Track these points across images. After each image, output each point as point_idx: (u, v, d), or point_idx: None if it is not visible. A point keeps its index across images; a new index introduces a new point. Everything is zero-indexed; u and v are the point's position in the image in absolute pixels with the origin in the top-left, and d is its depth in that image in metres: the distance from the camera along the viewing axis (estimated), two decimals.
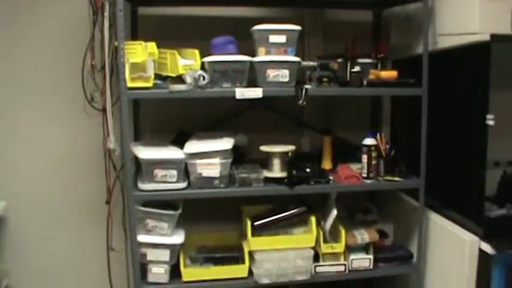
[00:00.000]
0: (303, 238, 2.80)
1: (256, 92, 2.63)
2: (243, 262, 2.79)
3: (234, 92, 2.62)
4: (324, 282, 2.92)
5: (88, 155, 3.23)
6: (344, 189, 2.80)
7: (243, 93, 2.62)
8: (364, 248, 2.93)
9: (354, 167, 2.89)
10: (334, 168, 2.95)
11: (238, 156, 2.88)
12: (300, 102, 2.64)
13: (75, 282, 3.39)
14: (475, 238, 2.63)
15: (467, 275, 2.63)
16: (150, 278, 2.74)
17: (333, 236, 2.89)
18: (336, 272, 2.86)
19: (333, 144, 3.03)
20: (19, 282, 3.30)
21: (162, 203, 2.78)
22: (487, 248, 2.60)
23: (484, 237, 2.63)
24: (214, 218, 3.20)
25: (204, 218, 3.22)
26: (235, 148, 2.83)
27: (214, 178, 2.68)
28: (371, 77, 2.85)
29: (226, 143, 2.68)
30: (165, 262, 2.74)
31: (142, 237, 2.69)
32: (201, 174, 2.66)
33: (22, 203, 3.26)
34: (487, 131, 2.56)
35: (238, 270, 2.78)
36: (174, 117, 3.15)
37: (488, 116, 2.56)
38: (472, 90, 2.66)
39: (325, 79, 2.73)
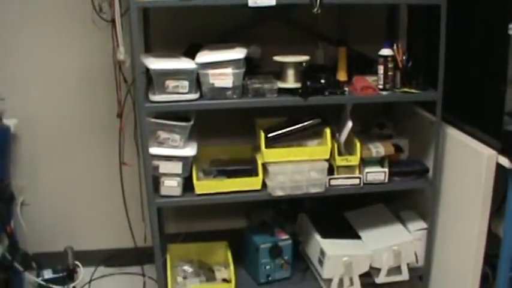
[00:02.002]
0: (318, 150, 2.75)
1: (268, 0, 2.52)
2: (257, 175, 2.75)
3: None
4: (339, 196, 2.90)
5: (98, 68, 3.17)
6: (359, 100, 2.73)
7: (255, 0, 2.50)
8: (379, 162, 2.88)
9: (370, 79, 2.80)
10: (349, 80, 2.87)
11: (251, 68, 2.81)
12: (315, 10, 2.53)
13: (89, 197, 3.43)
14: (493, 152, 2.57)
15: (483, 189, 2.58)
16: (163, 191, 2.72)
17: (347, 149, 2.84)
18: (351, 185, 2.81)
19: (348, 56, 2.93)
20: (34, 199, 3.28)
21: (175, 116, 2.71)
22: (505, 161, 2.54)
23: (502, 151, 2.57)
24: (228, 131, 3.16)
25: (217, 131, 3.19)
26: (248, 59, 2.75)
27: (226, 89, 2.61)
28: None
29: (238, 53, 2.61)
30: (177, 175, 2.70)
31: (154, 150, 2.65)
32: (213, 84, 2.60)
33: (33, 120, 3.23)
34: (508, 42, 2.45)
35: (252, 183, 2.74)
36: (185, 29, 3.07)
37: (510, 26, 2.45)
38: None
39: None
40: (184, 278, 2.91)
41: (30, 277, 3.15)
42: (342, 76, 2.89)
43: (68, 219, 3.42)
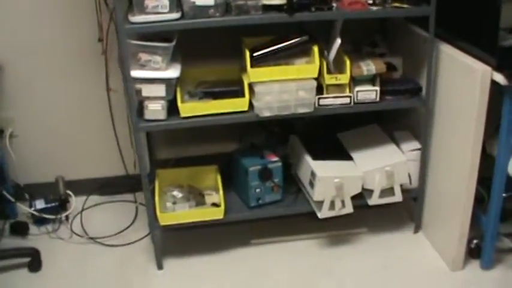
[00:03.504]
0: (305, 68, 2.65)
1: None
2: (243, 96, 2.65)
3: None
4: (332, 117, 2.83)
5: None
6: (347, 16, 2.62)
7: None
8: (371, 80, 2.78)
9: None
10: None
11: None
12: None
13: (78, 125, 3.37)
14: (488, 68, 2.48)
15: (477, 107, 2.50)
16: (147, 115, 2.65)
17: (337, 67, 2.74)
18: (341, 104, 2.73)
19: None
20: (23, 130, 3.25)
21: (158, 37, 2.62)
22: (500, 78, 2.45)
23: (497, 68, 2.47)
24: (215, 52, 3.06)
25: (204, 52, 3.10)
26: None
27: (208, 7, 2.50)
28: None
29: None
30: (161, 98, 2.63)
31: (135, 73, 2.57)
32: (194, 2, 2.48)
33: (16, 49, 3.16)
34: None
35: (238, 104, 2.67)
36: None
37: None
38: None
39: None
40: (174, 203, 2.87)
41: (22, 207, 3.14)
42: None
43: (58, 149, 3.37)
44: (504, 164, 2.60)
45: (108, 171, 3.39)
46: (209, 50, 3.08)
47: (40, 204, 3.22)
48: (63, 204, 3.24)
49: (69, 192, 3.27)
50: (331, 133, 3.10)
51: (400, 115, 3.05)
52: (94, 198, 3.40)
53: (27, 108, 3.28)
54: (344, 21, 2.67)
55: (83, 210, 3.28)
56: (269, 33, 2.76)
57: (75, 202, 3.27)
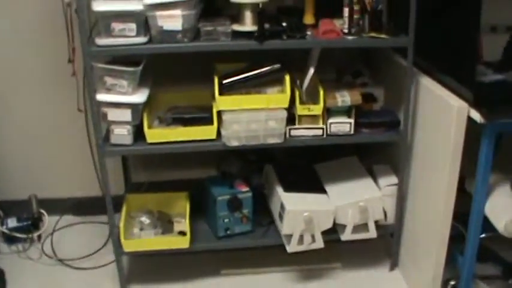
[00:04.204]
0: (276, 98, 2.57)
1: None
2: (213, 123, 2.57)
3: None
4: (312, 147, 2.73)
5: (48, 12, 3.01)
6: (321, 45, 2.54)
7: None
8: (347, 112, 2.67)
9: (338, 23, 2.58)
10: (317, 23, 2.65)
11: (212, 11, 2.63)
12: None
13: (54, 145, 3.34)
14: (464, 104, 2.38)
15: (453, 143, 2.40)
16: (113, 140, 2.59)
17: (312, 97, 2.64)
18: (313, 136, 2.63)
19: None
20: None
21: (128, 60, 2.56)
22: (476, 115, 2.34)
23: (474, 104, 2.37)
24: (189, 76, 2.99)
25: (177, 76, 3.03)
26: (209, 1, 2.63)
27: (176, 31, 2.43)
28: None
29: None
30: (127, 122, 2.56)
31: (101, 96, 2.51)
32: (162, 27, 2.42)
33: None
34: None
35: (206, 132, 2.59)
36: None
37: None
38: None
39: None
40: (141, 229, 2.80)
41: None
42: (308, 19, 2.68)
43: (33, 168, 3.33)
44: (480, 204, 2.50)
45: (84, 191, 3.33)
46: (183, 74, 3.01)
47: (12, 222, 3.17)
48: (35, 223, 3.19)
49: (42, 211, 3.21)
50: (308, 164, 2.99)
51: (382, 148, 2.95)
52: (68, 218, 3.35)
53: (1, 126, 3.22)
54: (328, 49, 2.61)
55: (54, 230, 3.22)
56: (245, 59, 2.69)
57: (48, 221, 3.21)
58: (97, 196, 3.25)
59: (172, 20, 2.43)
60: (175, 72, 2.97)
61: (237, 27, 2.50)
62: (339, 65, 3.00)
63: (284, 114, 2.56)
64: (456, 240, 2.65)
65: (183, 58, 2.62)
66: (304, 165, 3.01)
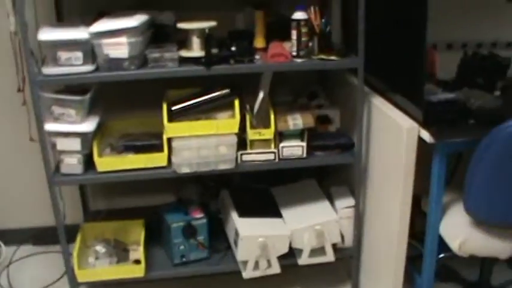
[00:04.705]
0: (225, 123, 2.55)
1: None
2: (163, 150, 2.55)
3: None
4: (270, 170, 2.70)
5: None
6: (269, 69, 2.53)
7: None
8: (301, 135, 2.65)
9: (288, 45, 2.57)
10: (268, 46, 2.63)
11: (162, 36, 2.61)
12: None
13: (9, 173, 3.30)
14: (414, 125, 2.37)
15: (404, 164, 2.38)
16: (63, 169, 2.57)
17: (263, 121, 2.62)
18: (265, 160, 2.60)
19: (271, 21, 2.71)
20: None
21: (77, 89, 2.54)
22: (426, 135, 2.34)
23: (424, 124, 2.37)
24: (142, 103, 2.96)
25: (130, 103, 3.02)
26: (160, 27, 2.61)
27: (123, 59, 2.41)
28: None
29: (133, 20, 2.39)
30: (76, 152, 2.54)
31: (49, 126, 2.48)
32: (108, 55, 2.39)
33: None
34: (426, 1, 2.21)
35: (157, 159, 2.57)
36: None
37: None
38: None
39: None
40: (96, 258, 2.75)
41: None
42: (259, 42, 2.68)
43: None
44: (435, 223, 2.50)
45: (43, 221, 3.27)
46: (136, 100, 2.99)
47: None
48: None
49: None
50: (265, 187, 2.96)
51: (340, 169, 2.93)
52: (27, 248, 3.29)
53: None
54: (282, 71, 2.61)
55: (11, 262, 3.16)
56: (198, 84, 2.68)
57: (6, 252, 3.15)
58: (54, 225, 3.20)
59: (119, 48, 2.41)
60: (128, 99, 2.95)
61: (184, 53, 2.49)
62: (295, 86, 2.98)
63: (234, 139, 2.54)
64: (416, 260, 2.62)
65: (135, 84, 2.59)
66: (261, 189, 2.99)
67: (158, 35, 2.64)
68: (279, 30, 2.67)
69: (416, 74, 2.38)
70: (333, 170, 2.95)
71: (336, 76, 2.96)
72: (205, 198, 3.01)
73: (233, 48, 2.53)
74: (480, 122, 2.45)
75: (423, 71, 2.36)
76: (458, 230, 2.44)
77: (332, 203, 2.83)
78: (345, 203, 2.78)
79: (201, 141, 2.52)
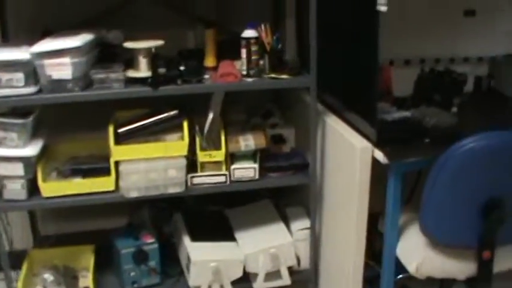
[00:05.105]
0: (174, 146, 2.47)
1: None
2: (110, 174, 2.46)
3: None
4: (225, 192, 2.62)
5: None
6: (218, 89, 2.45)
7: None
8: (253, 156, 2.58)
9: (239, 64, 2.50)
10: (219, 65, 2.56)
11: (110, 56, 2.52)
12: None
13: None
14: (368, 145, 2.31)
15: (359, 185, 2.33)
16: (6, 195, 2.46)
17: (214, 143, 2.54)
18: (216, 183, 2.52)
19: (223, 39, 2.64)
20: None
21: (24, 111, 2.45)
22: (380, 156, 2.28)
23: (378, 144, 2.31)
24: (91, 124, 2.84)
25: (78, 125, 2.91)
26: (107, 46, 2.54)
27: (66, 81, 2.32)
28: None
29: (77, 40, 2.30)
30: (20, 177, 2.43)
31: None
32: (51, 76, 2.30)
33: None
34: (378, 19, 2.15)
35: (105, 183, 2.48)
36: (50, 14, 2.81)
37: (380, 1, 2.15)
38: None
39: None
40: (44, 287, 2.63)
41: None
42: (209, 61, 2.61)
43: None
44: (392, 244, 2.43)
45: None
46: (84, 122, 2.88)
47: None
48: None
49: None
50: (219, 209, 2.89)
51: (296, 188, 2.85)
52: None
53: None
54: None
55: None
56: (148, 105, 2.59)
57: None
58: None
59: (62, 69, 2.33)
60: (75, 121, 2.86)
61: (131, 73, 2.40)
62: (250, 104, 2.91)
63: (183, 162, 2.46)
64: (374, 280, 2.57)
65: (81, 105, 2.49)
66: (215, 212, 2.91)
67: (106, 54, 2.56)
68: (230, 49, 2.59)
69: (370, 92, 2.32)
70: (289, 190, 2.87)
71: (291, 94, 2.89)
72: (158, 221, 2.92)
73: (182, 68, 2.44)
74: (435, 140, 2.39)
75: (376, 89, 2.30)
76: (415, 251, 2.38)
77: (287, 224, 2.76)
78: (301, 225, 2.72)
79: (150, 165, 2.44)
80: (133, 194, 2.45)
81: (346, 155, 2.39)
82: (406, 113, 2.48)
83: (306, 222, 2.71)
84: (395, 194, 2.35)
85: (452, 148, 2.14)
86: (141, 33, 2.57)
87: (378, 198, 2.40)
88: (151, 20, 2.84)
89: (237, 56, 2.52)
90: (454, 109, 2.76)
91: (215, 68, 2.55)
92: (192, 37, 2.81)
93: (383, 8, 2.14)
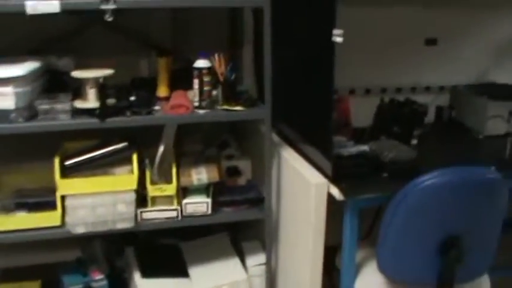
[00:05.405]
0: (122, 179, 2.37)
1: (51, 6, 2.12)
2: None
3: (24, 5, 2.10)
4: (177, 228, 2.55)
5: None
6: (169, 121, 2.35)
7: (35, 7, 2.11)
8: (207, 189, 2.48)
9: (192, 94, 2.41)
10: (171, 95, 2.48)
11: (59, 84, 2.42)
12: (107, 16, 2.14)
13: None
14: (323, 180, 2.24)
15: (314, 222, 2.26)
16: None
17: (166, 176, 2.45)
18: (167, 218, 2.42)
19: (177, 67, 2.56)
20: None
21: None
22: (336, 192, 2.22)
23: (333, 179, 2.24)
24: (40, 156, 2.72)
25: (27, 156, 2.77)
26: (56, 74, 2.46)
27: (9, 111, 2.21)
28: None
29: (21, 68, 2.19)
30: None
31: None
32: None
33: None
34: (334, 49, 2.08)
35: (50, 218, 2.36)
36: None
37: (335, 32, 2.08)
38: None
39: None
40: None
41: None
42: (162, 91, 2.51)
43: None
44: (349, 281, 2.34)
45: None
46: (30, 153, 2.76)
47: None
48: None
49: None
50: (173, 243, 2.78)
51: (252, 222, 2.76)
52: None
53: None
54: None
55: None
56: (98, 135, 2.48)
57: None
58: None
59: (4, 99, 2.22)
60: (21, 152, 2.74)
61: (79, 103, 2.30)
62: (206, 135, 2.82)
63: (133, 196, 2.36)
64: None
65: (29, 136, 2.38)
66: (169, 245, 2.80)
67: (55, 82, 2.46)
68: (185, 78, 2.50)
69: (326, 125, 2.24)
70: (245, 223, 2.78)
71: (248, 124, 2.81)
72: (110, 254, 2.80)
73: (132, 98, 2.35)
74: (393, 175, 2.33)
75: (331, 123, 2.22)
76: None
77: (243, 259, 2.66)
78: (256, 260, 2.64)
79: (97, 199, 2.34)
80: (80, 230, 2.35)
81: (302, 190, 2.31)
82: (363, 147, 2.41)
83: (261, 258, 2.63)
84: (351, 230, 2.29)
85: (410, 184, 2.08)
86: (95, 60, 2.49)
87: (337, 230, 2.32)
88: (106, 46, 2.74)
89: (192, 86, 2.43)
90: (414, 141, 2.70)
91: (167, 98, 2.46)
92: (145, 65, 2.70)
93: (338, 39, 2.07)
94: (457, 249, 2.18)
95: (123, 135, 2.47)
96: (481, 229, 2.23)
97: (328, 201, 2.26)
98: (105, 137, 2.49)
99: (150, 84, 2.55)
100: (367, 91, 3.11)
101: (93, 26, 2.66)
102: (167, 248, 2.81)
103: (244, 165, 2.71)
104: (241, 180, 2.69)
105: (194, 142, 2.77)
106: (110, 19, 2.17)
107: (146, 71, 2.68)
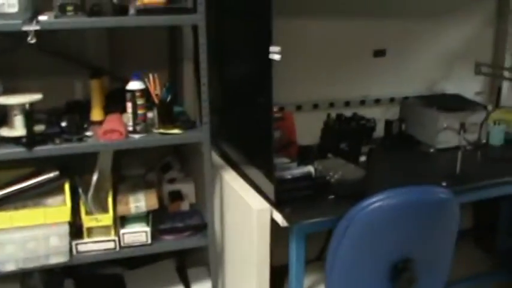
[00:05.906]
0: (54, 211, 2.24)
1: None
2: None
3: None
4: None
5: None
6: (101, 148, 2.24)
7: None
8: (146, 217, 2.36)
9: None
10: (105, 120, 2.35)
11: None
12: (29, 38, 2.00)
13: None
14: (266, 206, 2.15)
15: (257, 248, 2.16)
16: None
17: (102, 205, 2.31)
18: (105, 249, 2.29)
19: (113, 89, 2.45)
20: None
21: None
22: (279, 218, 2.12)
23: (276, 204, 2.14)
24: None
25: None
26: None
27: None
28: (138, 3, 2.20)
29: None
30: None
31: None
32: None
33: None
34: (271, 67, 1.97)
35: None
36: None
37: (271, 49, 1.97)
38: (256, 16, 2.11)
39: (70, 7, 2.08)
40: None
41: None
42: (96, 116, 2.38)
43: None
44: None
45: None
46: None
47: None
48: None
49: None
50: (116, 273, 2.66)
51: (198, 248, 2.63)
52: None
53: None
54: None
55: None
56: (30, 164, 2.35)
57: None
58: None
59: None
60: None
61: (5, 131, 2.16)
62: (149, 157, 2.69)
63: (66, 228, 2.23)
64: None
65: None
66: (111, 275, 2.67)
67: None
68: (122, 99, 2.37)
69: (266, 146, 2.14)
70: (191, 249, 2.65)
71: (191, 145, 2.69)
72: (51, 287, 2.64)
73: (63, 124, 2.21)
74: (340, 196, 2.23)
75: (272, 146, 2.12)
76: None
77: (188, 287, 2.52)
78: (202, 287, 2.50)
79: (27, 233, 2.20)
80: (10, 267, 2.22)
81: (244, 215, 2.21)
82: (308, 168, 2.30)
83: (207, 285, 2.50)
84: (298, 257, 2.20)
85: (357, 207, 2.01)
86: (26, 82, 2.36)
87: (287, 248, 2.21)
88: (38, 68, 2.59)
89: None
90: (363, 158, 2.62)
91: (102, 123, 2.33)
92: (79, 87, 2.57)
93: (276, 57, 1.97)
94: (409, 272, 2.09)
95: (57, 162, 2.32)
96: (433, 250, 2.16)
97: (274, 222, 2.14)
98: (38, 165, 2.33)
99: (85, 108, 2.41)
100: (315, 106, 3.02)
101: (23, 47, 2.50)
102: (109, 278, 2.68)
103: (188, 188, 2.60)
104: (184, 205, 2.58)
105: (135, 165, 2.63)
106: (33, 41, 2.02)
107: (81, 93, 2.53)
